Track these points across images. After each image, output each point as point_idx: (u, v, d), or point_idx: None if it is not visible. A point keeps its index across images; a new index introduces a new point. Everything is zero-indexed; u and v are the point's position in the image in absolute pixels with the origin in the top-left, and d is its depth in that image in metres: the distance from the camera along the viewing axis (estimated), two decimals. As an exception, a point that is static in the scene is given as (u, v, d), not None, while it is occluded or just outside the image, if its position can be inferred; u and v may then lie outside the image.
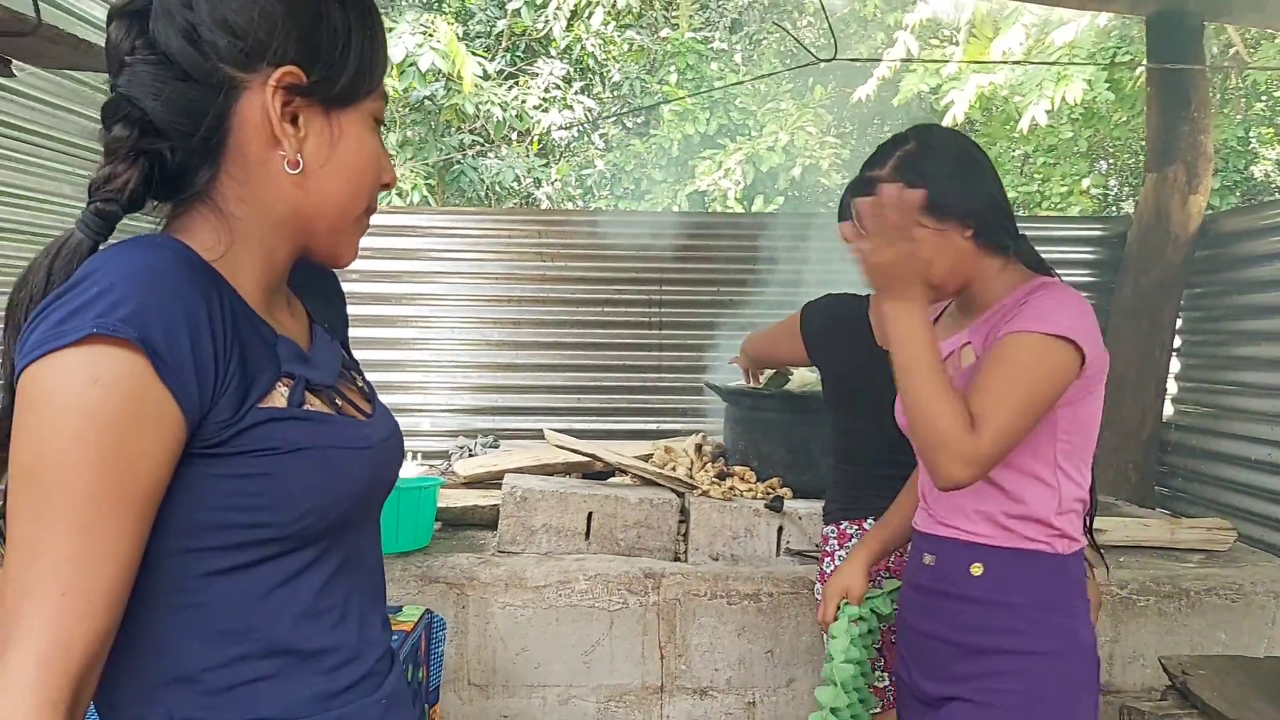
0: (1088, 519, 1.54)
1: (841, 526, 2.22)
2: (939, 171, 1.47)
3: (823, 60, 3.38)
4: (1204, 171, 4.34)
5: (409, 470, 3.85)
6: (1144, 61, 4.58)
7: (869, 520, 2.15)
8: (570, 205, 10.14)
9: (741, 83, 9.22)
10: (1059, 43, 5.82)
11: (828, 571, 2.22)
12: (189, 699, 0.83)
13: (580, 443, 3.26)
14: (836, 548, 2.21)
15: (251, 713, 0.84)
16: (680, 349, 4.67)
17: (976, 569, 1.47)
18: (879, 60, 7.18)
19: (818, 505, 2.51)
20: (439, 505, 3.24)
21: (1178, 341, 4.55)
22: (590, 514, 2.90)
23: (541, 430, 3.61)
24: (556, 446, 3.22)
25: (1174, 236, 4.34)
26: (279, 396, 0.85)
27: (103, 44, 0.85)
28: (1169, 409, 4.58)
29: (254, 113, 0.83)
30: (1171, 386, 4.57)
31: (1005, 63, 5.96)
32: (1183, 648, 2.79)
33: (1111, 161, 10.59)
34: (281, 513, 0.84)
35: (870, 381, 2.08)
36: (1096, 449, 1.52)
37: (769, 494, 2.96)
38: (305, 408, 0.87)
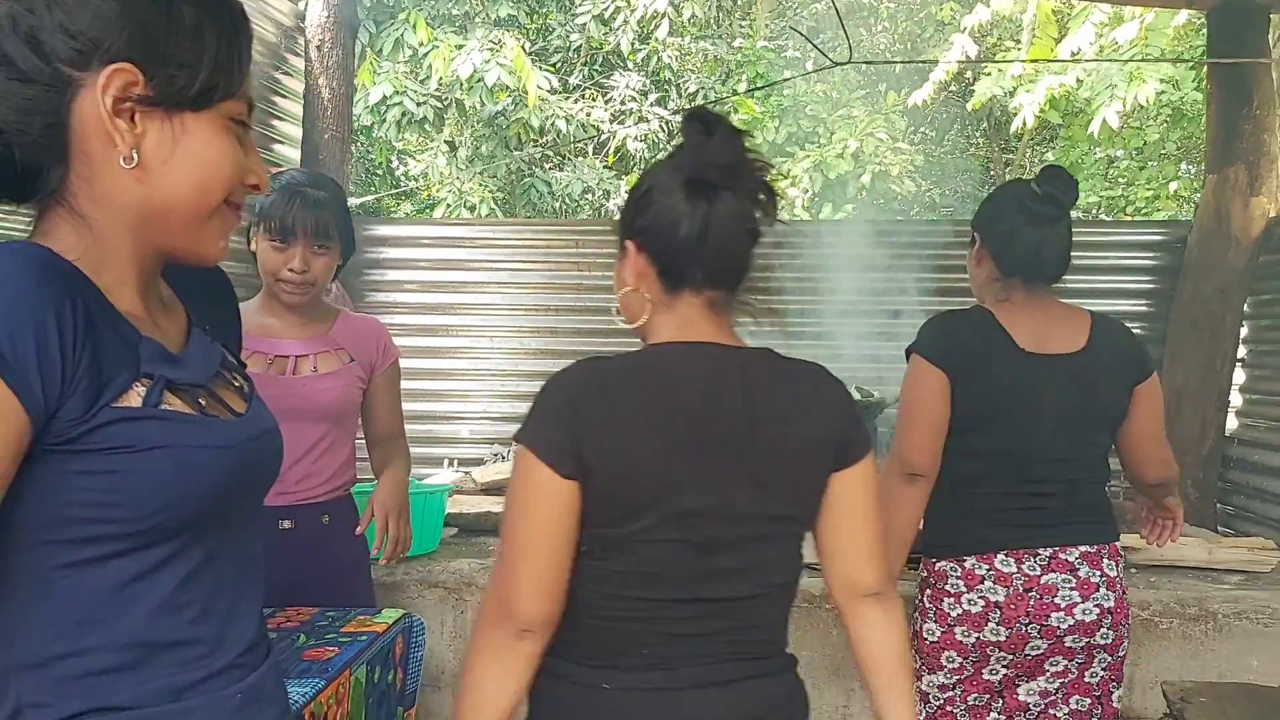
0: None
1: (967, 565, 1.87)
2: None
3: (838, 63, 3.33)
4: (1267, 172, 4.10)
5: (440, 476, 3.92)
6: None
7: (1000, 556, 1.85)
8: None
9: (775, 85, 9.15)
10: (1122, 40, 5.57)
11: (951, 614, 1.87)
12: (39, 685, 0.86)
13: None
14: (963, 589, 1.87)
15: (101, 701, 0.87)
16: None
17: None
18: (901, 61, 7.02)
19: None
20: (454, 511, 3.30)
21: (1242, 351, 4.31)
22: (593, 522, 2.89)
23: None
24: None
25: (1235, 241, 4.12)
26: (135, 396, 0.87)
27: None
28: (1233, 422, 4.33)
29: (91, 110, 0.85)
30: (1235, 398, 4.32)
31: (1038, 60, 5.75)
32: (1209, 674, 2.64)
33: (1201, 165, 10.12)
34: (134, 509, 0.86)
35: (1013, 394, 1.85)
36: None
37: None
38: (162, 407, 0.89)
